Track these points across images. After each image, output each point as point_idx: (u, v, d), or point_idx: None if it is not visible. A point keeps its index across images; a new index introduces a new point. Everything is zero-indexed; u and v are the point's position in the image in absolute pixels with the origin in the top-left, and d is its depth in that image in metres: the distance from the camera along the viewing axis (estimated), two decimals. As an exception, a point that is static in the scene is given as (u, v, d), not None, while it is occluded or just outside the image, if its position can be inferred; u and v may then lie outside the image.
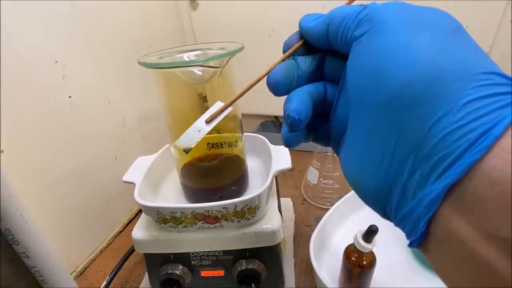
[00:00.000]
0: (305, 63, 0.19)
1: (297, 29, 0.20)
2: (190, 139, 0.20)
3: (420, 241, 0.13)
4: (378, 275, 0.37)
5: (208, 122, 0.21)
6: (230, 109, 0.21)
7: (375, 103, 0.14)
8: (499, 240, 0.11)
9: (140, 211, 0.49)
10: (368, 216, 0.53)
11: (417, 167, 0.13)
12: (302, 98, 0.18)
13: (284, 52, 0.19)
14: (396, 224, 0.15)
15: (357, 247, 0.35)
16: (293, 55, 0.19)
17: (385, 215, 0.16)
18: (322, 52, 0.19)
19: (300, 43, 0.19)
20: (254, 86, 0.20)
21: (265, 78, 0.19)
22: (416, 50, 0.13)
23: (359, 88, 0.15)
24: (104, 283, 0.43)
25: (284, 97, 0.19)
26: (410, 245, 0.14)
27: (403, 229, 0.15)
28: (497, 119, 0.11)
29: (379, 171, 0.15)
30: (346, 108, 0.17)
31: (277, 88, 0.18)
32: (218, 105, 0.21)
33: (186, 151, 0.21)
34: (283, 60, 0.19)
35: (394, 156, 0.14)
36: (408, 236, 0.14)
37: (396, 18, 0.14)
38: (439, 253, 0.13)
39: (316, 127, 0.21)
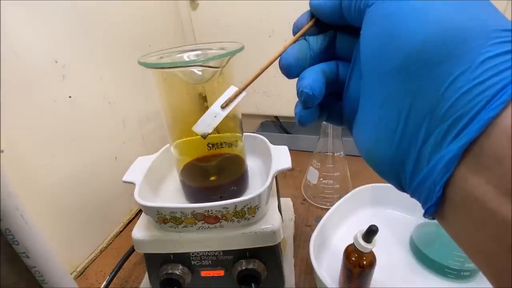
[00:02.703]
0: (316, 43, 0.19)
1: None
2: (207, 125, 0.21)
3: (436, 208, 0.13)
4: (378, 275, 0.37)
5: (223, 107, 0.21)
6: (244, 93, 0.21)
7: (390, 70, 0.14)
8: None
9: (140, 211, 0.49)
10: (368, 216, 0.54)
11: (431, 131, 0.13)
12: (315, 75, 0.18)
13: (294, 34, 0.19)
14: (412, 195, 0.15)
15: (357, 247, 0.35)
16: (303, 35, 0.19)
17: (400, 186, 0.16)
18: (332, 30, 0.19)
19: (311, 22, 0.19)
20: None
21: (277, 61, 0.19)
22: (432, 11, 0.13)
23: (373, 56, 0.15)
24: (104, 283, 0.43)
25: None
26: (425, 213, 0.14)
27: (418, 198, 0.14)
28: None
29: (393, 140, 0.15)
30: (359, 85, 0.17)
31: (290, 70, 0.19)
32: (232, 89, 0.21)
33: (204, 136, 0.21)
34: (295, 41, 0.19)
35: (408, 122, 0.14)
36: (423, 204, 0.14)
37: None
38: (456, 217, 0.13)
39: (329, 106, 0.21)
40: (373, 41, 0.15)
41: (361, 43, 0.16)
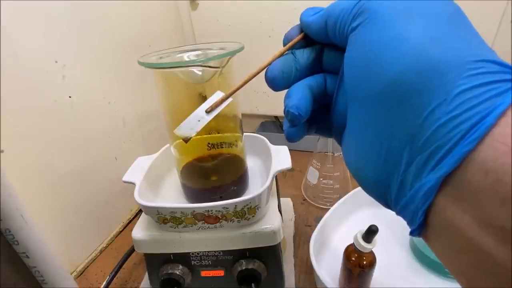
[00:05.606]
0: (303, 56, 0.19)
1: None
2: (190, 129, 0.20)
3: (420, 231, 0.14)
4: (378, 275, 0.37)
5: (208, 112, 0.21)
6: (230, 99, 0.21)
7: (370, 96, 0.14)
8: (496, 229, 0.11)
9: (140, 211, 0.49)
10: (368, 216, 0.54)
11: (413, 158, 0.13)
12: (301, 93, 0.18)
13: (284, 45, 0.20)
14: (397, 213, 0.15)
15: (357, 247, 0.35)
16: (292, 48, 0.19)
17: (387, 204, 0.16)
18: (320, 44, 0.19)
19: (300, 36, 0.19)
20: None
21: (263, 72, 0.19)
22: (407, 41, 0.13)
23: (354, 80, 0.15)
24: (104, 283, 0.43)
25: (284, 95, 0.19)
26: (411, 233, 0.14)
27: (404, 218, 0.15)
28: (490, 109, 0.11)
29: (377, 163, 0.15)
30: (346, 100, 0.17)
31: (275, 83, 0.19)
32: (218, 95, 0.21)
33: (186, 140, 0.21)
34: (283, 53, 0.19)
35: (391, 147, 0.14)
36: (408, 225, 0.14)
37: (389, 8, 0.14)
38: (439, 242, 0.13)
39: (318, 120, 0.21)
40: (354, 66, 0.15)
41: (344, 65, 0.16)
